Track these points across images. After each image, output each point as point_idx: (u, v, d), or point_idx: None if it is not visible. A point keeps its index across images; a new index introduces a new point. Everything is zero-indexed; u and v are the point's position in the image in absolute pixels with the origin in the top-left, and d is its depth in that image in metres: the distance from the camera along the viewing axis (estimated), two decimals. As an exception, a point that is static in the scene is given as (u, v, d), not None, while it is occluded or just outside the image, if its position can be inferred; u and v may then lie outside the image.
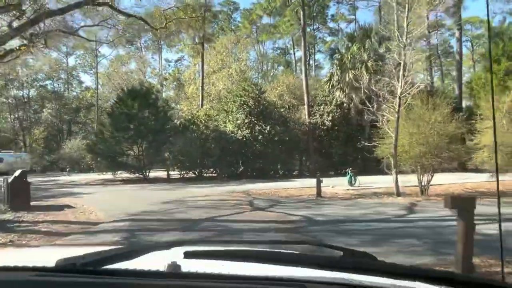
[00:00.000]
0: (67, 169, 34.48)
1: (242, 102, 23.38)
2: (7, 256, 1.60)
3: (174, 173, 26.01)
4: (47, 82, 55.40)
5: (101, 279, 0.96)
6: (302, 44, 24.96)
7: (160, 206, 11.10)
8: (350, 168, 16.00)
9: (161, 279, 0.99)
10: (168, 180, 23.24)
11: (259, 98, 23.64)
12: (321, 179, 12.91)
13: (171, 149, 24.47)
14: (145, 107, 25.25)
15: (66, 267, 1.00)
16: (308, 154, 24.58)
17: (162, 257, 1.09)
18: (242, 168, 23.46)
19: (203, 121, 25.81)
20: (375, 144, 13.67)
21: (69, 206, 12.07)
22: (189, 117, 27.20)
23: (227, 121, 24.03)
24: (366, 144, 14.35)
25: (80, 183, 24.05)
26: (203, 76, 30.81)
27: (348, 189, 14.82)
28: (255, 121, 23.07)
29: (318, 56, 58.63)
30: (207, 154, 24.21)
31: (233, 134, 23.10)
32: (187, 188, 17.74)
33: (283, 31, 41.00)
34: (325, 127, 23.32)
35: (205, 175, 26.06)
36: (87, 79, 78.32)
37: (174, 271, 1.01)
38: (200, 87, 30.55)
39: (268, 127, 22.46)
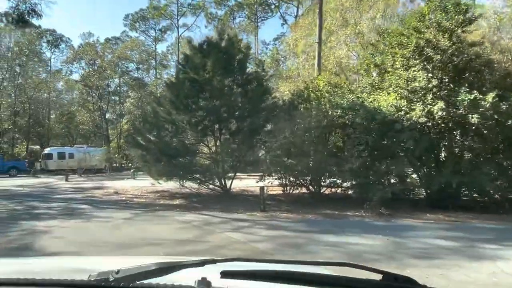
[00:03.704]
0: (132, 170, 25.96)
1: (423, 45, 10.76)
2: (40, 265, 1.65)
3: (274, 187, 14.70)
4: (132, 69, 49.70)
5: None
6: None
7: None
8: None
9: None
10: (261, 205, 11.81)
11: (459, 37, 10.79)
12: None
13: (268, 144, 13.27)
14: (226, 72, 14.42)
15: (99, 282, 1.00)
16: None
17: (195, 274, 1.09)
18: (420, 185, 10.91)
19: (326, 96, 13.99)
20: None
21: None
22: (300, 90, 15.65)
23: (384, 87, 11.71)
24: None
25: (117, 200, 14.25)
26: (321, 26, 18.76)
27: None
28: (451, 86, 10.39)
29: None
30: (333, 154, 12.47)
31: (399, 114, 10.70)
32: (298, 254, 6.06)
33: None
34: None
35: (325, 192, 14.23)
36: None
37: None
38: (317, 43, 18.48)
39: (491, 97, 9.58)
